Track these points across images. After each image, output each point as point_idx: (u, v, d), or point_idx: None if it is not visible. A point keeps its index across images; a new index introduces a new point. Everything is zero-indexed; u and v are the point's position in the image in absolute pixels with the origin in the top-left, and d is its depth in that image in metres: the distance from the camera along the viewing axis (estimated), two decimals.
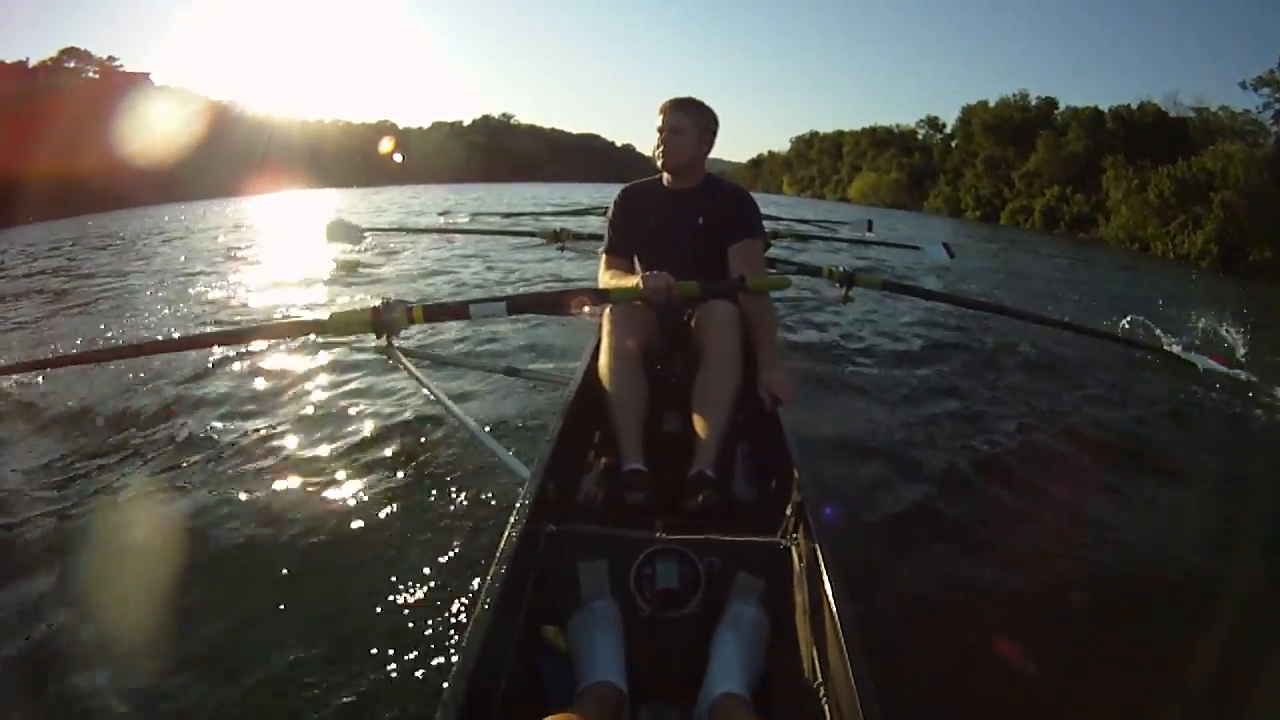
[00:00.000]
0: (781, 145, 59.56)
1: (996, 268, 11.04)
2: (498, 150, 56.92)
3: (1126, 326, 4.72)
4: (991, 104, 35.23)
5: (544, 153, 62.53)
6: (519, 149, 60.58)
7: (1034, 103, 33.63)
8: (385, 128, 52.78)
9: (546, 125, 73.35)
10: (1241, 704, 1.55)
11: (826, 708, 0.98)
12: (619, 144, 78.50)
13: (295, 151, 36.59)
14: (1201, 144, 23.83)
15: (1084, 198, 26.76)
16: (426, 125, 59.89)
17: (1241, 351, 4.32)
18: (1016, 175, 31.40)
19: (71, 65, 30.11)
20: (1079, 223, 26.48)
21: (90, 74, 30.30)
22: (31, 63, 28.84)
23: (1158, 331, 4.47)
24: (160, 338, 4.27)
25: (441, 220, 9.09)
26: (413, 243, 8.95)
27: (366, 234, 6.18)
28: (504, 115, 67.19)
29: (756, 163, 59.58)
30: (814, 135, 52.65)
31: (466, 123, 63.29)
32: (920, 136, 43.06)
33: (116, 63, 31.56)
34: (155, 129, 24.51)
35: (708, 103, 1.97)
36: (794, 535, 1.29)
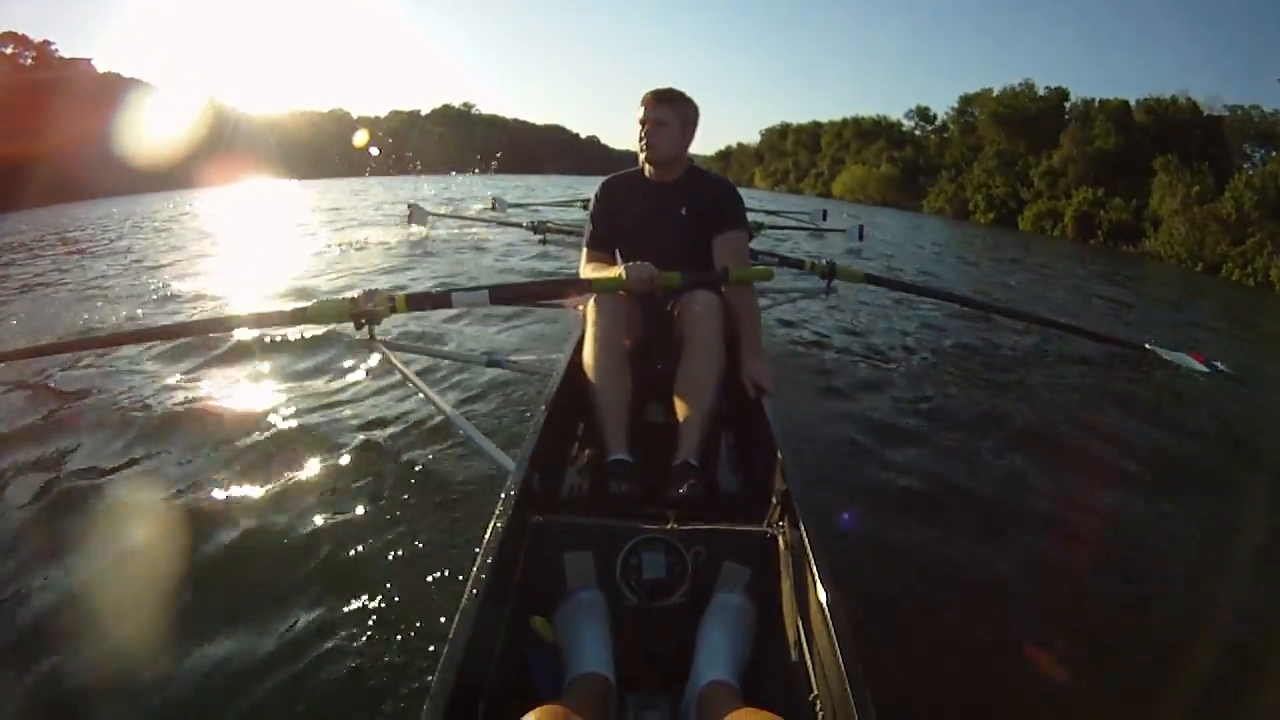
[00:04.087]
0: (751, 137, 56.22)
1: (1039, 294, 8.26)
2: (461, 140, 55.79)
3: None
4: (995, 93, 30.58)
5: (508, 143, 61.53)
6: (484, 139, 59.49)
7: (1042, 93, 29.16)
8: (339, 116, 51.24)
9: (509, 115, 72.19)
10: (1245, 701, 1.60)
11: (816, 691, 1.00)
12: (584, 135, 77.76)
13: (251, 141, 35.23)
14: (1235, 146, 21.23)
15: (1123, 203, 22.40)
16: (383, 114, 58.40)
17: None
18: (1036, 173, 26.62)
19: (9, 50, 28.26)
20: (1121, 233, 21.93)
21: (27, 59, 28.47)
22: None
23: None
24: (134, 328, 4.15)
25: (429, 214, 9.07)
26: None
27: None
28: (465, 104, 65.94)
29: (725, 155, 56.83)
30: (787, 126, 49.89)
31: (425, 112, 61.93)
32: (906, 129, 38.55)
33: (52, 47, 29.74)
34: (98, 117, 23.30)
35: (688, 93, 1.97)
36: (780, 524, 1.30)
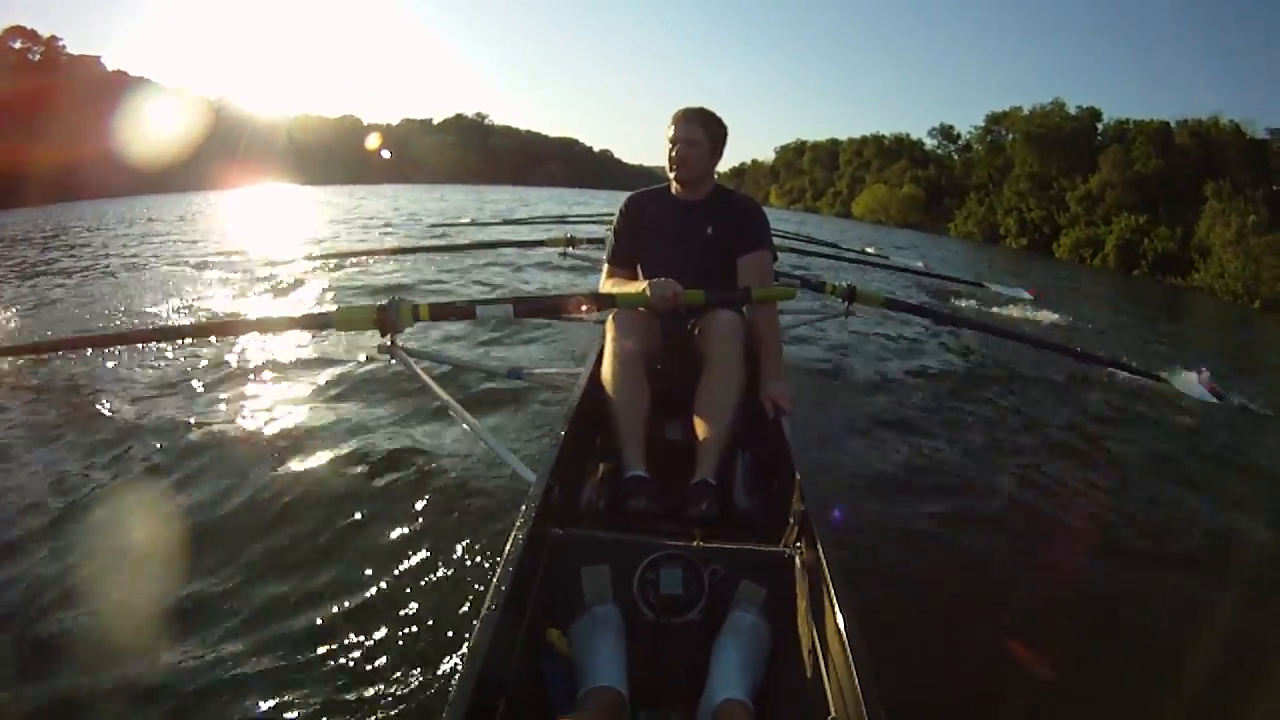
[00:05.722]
0: (766, 154, 55.45)
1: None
2: (473, 150, 55.96)
3: None
4: (1025, 111, 29.50)
5: (520, 155, 61.63)
6: (496, 150, 59.61)
7: (1073, 112, 28.05)
8: (350, 122, 51.32)
9: (522, 127, 72.40)
10: (1246, 702, 1.61)
11: (834, 713, 0.99)
12: (597, 149, 77.95)
13: (260, 145, 35.13)
14: (1278, 168, 20.78)
15: (1168, 231, 21.32)
16: (394, 122, 58.32)
17: None
18: (1073, 198, 25.46)
19: (18, 45, 28.14)
20: (1167, 264, 20.77)
21: (35, 55, 28.33)
22: None
23: None
24: (160, 326, 4.18)
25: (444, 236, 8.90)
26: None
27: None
28: (478, 114, 65.95)
29: (739, 172, 55.91)
30: (804, 144, 49.36)
31: (436, 121, 62.09)
32: (929, 148, 37.70)
33: (60, 43, 29.63)
34: (105, 116, 23.14)
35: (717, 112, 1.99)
36: (797, 544, 1.31)
